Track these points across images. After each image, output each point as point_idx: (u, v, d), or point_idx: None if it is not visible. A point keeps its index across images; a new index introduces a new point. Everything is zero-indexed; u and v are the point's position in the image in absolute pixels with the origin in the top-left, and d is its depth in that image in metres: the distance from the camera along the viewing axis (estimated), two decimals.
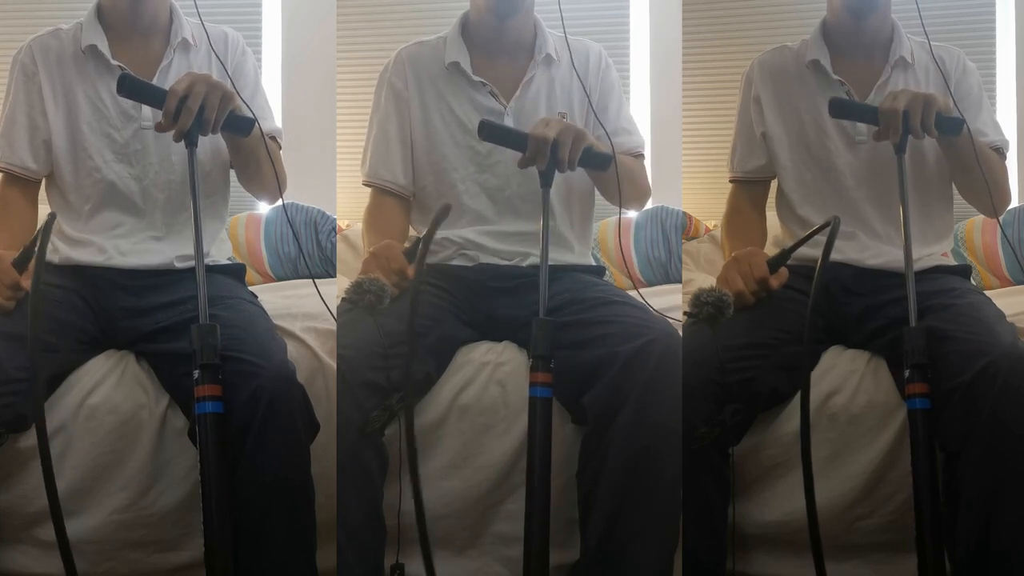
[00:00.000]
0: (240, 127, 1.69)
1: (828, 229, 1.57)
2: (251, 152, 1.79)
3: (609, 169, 1.77)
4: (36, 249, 1.45)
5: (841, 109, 1.77)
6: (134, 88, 1.65)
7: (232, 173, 1.92)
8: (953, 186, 1.90)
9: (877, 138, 1.73)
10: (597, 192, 1.95)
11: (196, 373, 1.47)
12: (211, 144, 1.82)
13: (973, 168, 1.77)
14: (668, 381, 1.59)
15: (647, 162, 2.04)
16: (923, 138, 1.71)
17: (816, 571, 1.51)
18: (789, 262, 1.78)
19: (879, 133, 1.72)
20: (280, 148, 1.90)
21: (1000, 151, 1.88)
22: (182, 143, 1.77)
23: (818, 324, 1.77)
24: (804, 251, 1.74)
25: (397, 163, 1.94)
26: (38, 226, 1.89)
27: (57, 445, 1.65)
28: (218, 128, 1.63)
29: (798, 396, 1.68)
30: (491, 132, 1.74)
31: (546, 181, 1.68)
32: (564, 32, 1.91)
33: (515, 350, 1.77)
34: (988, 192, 1.79)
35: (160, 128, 1.64)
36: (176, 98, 1.58)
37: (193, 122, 1.59)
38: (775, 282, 1.74)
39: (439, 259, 1.91)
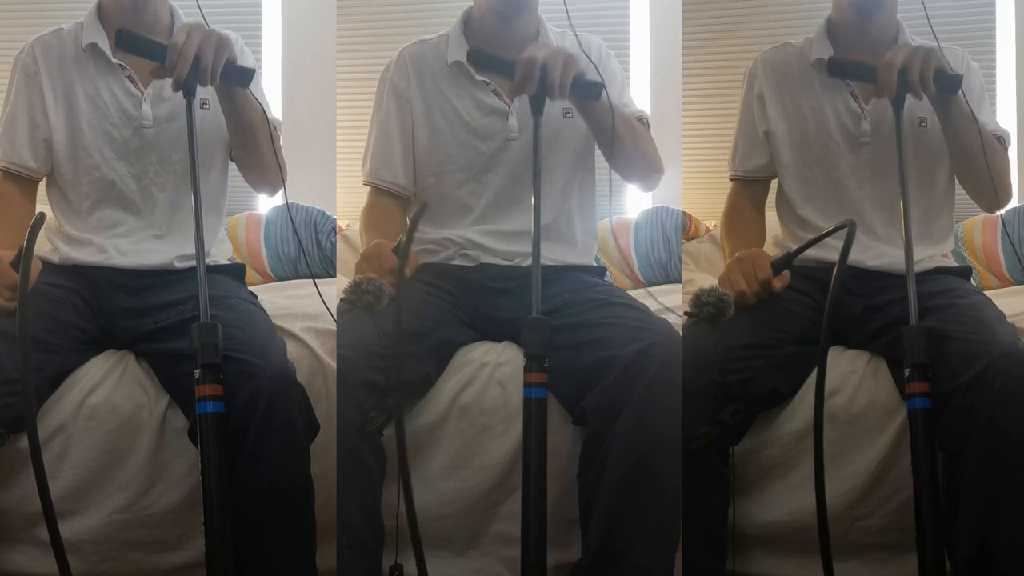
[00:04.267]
0: (239, 77, 1.67)
1: (840, 231, 1.55)
2: (250, 127, 1.77)
3: (601, 101, 1.75)
4: (24, 248, 1.45)
5: (838, 67, 1.76)
6: (131, 42, 1.63)
7: (232, 171, 1.92)
8: (956, 185, 1.90)
9: (876, 95, 1.72)
10: (597, 192, 1.95)
11: (197, 372, 1.47)
12: (211, 131, 1.82)
13: (976, 150, 1.75)
14: (669, 383, 1.58)
15: None
16: (921, 96, 1.68)
17: (824, 571, 1.50)
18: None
19: (877, 90, 1.70)
20: (279, 138, 1.89)
21: (1002, 140, 1.87)
22: (181, 142, 1.78)
23: (820, 324, 1.77)
24: (806, 251, 1.74)
25: (398, 163, 1.93)
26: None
27: (57, 445, 1.65)
28: (216, 76, 1.61)
29: (799, 396, 1.69)
30: (480, 59, 1.75)
31: (537, 108, 1.65)
32: (571, 27, 1.89)
33: (515, 350, 1.76)
34: (991, 178, 1.77)
35: (155, 75, 1.63)
36: (176, 51, 1.57)
37: (191, 71, 1.57)
38: (778, 284, 1.74)
39: (440, 259, 1.90)
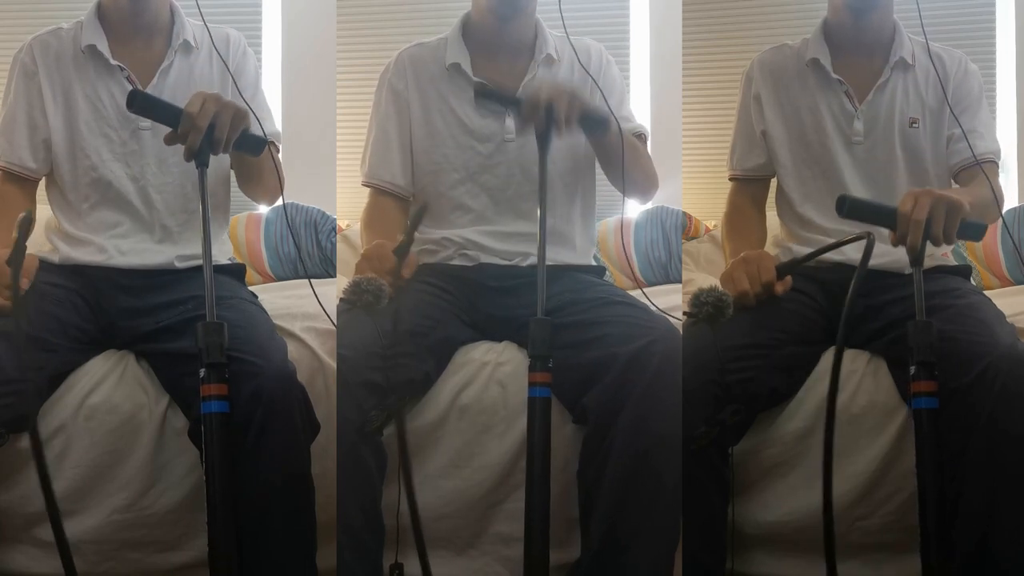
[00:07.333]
0: (252, 147, 1.65)
1: (854, 242, 1.53)
2: (256, 166, 1.78)
3: (609, 131, 1.76)
4: (14, 246, 1.44)
5: (854, 209, 1.56)
6: (145, 105, 1.60)
7: (232, 179, 1.91)
8: (952, 183, 1.90)
9: (894, 243, 1.57)
10: (598, 192, 1.95)
11: (202, 372, 1.46)
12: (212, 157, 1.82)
13: (988, 211, 1.76)
14: (670, 381, 1.59)
15: None
16: (941, 245, 1.56)
17: (828, 571, 1.50)
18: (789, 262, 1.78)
19: (895, 237, 1.55)
20: (278, 151, 1.90)
21: (993, 161, 1.87)
22: (179, 146, 1.77)
23: (819, 324, 1.77)
24: (805, 252, 1.74)
25: (396, 164, 1.94)
26: (37, 224, 1.89)
27: (57, 445, 1.65)
28: (229, 147, 1.59)
29: (798, 396, 1.69)
30: (485, 95, 1.76)
31: (542, 144, 1.67)
32: (565, 30, 1.90)
33: (515, 350, 1.77)
34: (998, 209, 1.79)
35: (168, 141, 1.59)
36: (191, 120, 1.54)
37: (203, 141, 1.54)
38: (780, 288, 1.73)
39: (439, 259, 1.90)
